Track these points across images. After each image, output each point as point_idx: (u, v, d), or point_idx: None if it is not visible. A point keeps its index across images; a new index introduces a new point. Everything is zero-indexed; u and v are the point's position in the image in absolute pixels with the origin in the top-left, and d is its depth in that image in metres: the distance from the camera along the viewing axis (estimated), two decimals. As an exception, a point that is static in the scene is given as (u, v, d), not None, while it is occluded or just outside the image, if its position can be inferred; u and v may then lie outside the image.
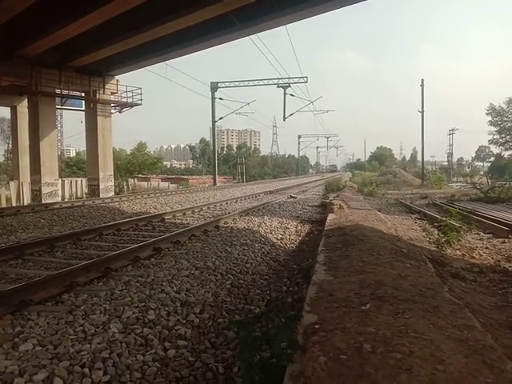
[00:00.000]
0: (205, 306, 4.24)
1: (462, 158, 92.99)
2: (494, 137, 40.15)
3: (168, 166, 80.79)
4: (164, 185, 36.03)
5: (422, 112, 35.19)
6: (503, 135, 39.05)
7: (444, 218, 8.10)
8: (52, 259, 6.66)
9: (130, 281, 4.99)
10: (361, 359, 2.23)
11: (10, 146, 32.23)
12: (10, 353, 3.11)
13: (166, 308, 4.04)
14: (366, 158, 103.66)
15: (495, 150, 48.16)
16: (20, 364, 2.91)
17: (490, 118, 39.36)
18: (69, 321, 3.74)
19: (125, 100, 23.72)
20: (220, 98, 36.32)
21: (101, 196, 21.21)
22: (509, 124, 37.74)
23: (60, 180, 21.85)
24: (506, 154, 42.69)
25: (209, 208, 14.09)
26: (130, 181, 31.71)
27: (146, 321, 3.73)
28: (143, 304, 4.09)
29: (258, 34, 17.85)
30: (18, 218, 11.76)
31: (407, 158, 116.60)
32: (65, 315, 3.88)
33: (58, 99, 21.37)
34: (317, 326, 2.77)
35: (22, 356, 3.05)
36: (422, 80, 35.58)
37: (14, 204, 19.25)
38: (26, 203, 19.55)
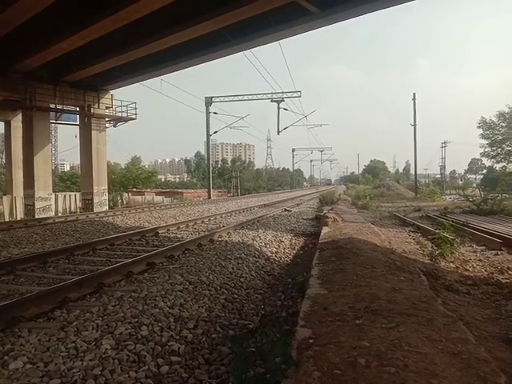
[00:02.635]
0: (198, 322, 4.20)
1: (454, 170, 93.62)
2: (486, 150, 40.52)
3: (162, 179, 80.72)
4: (158, 199, 35.92)
5: (415, 125, 35.71)
6: (494, 148, 39.46)
7: (437, 231, 8.14)
8: (44, 275, 6.59)
9: (122, 296, 4.94)
10: (355, 374, 2.22)
11: (4, 160, 32.09)
12: (-1, 371, 3.06)
13: (160, 323, 4.01)
14: (360, 171, 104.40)
15: (487, 162, 48.61)
16: (9, 383, 2.87)
17: (481, 131, 39.86)
18: (60, 337, 3.70)
19: (119, 114, 23.81)
20: (215, 113, 36.59)
21: (95, 210, 21.10)
22: (500, 137, 38.17)
23: (54, 194, 21.73)
24: (497, 166, 43.08)
25: (203, 222, 14.05)
26: (124, 195, 31.59)
27: (139, 337, 3.69)
28: (136, 320, 4.05)
29: (252, 49, 18.09)
30: (11, 233, 11.65)
31: (400, 170, 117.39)
32: (56, 332, 3.83)
33: (52, 113, 21.38)
34: (311, 341, 2.76)
35: (11, 374, 3.00)
36: (414, 94, 36.27)
37: (6, 219, 19.08)
38: (18, 218, 19.39)
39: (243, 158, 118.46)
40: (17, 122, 22.42)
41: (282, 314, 4.59)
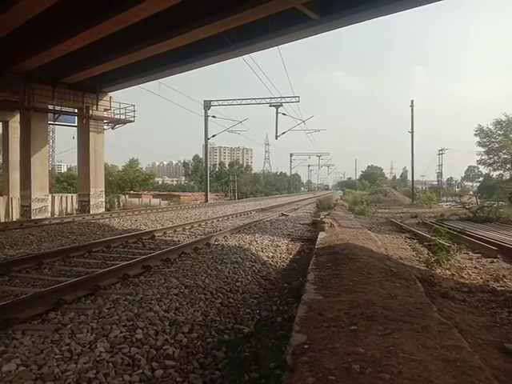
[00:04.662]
0: (194, 326, 4.19)
1: (451, 177, 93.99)
2: (483, 157, 40.75)
3: (160, 182, 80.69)
4: (155, 201, 35.88)
5: (412, 132, 35.91)
6: (491, 156, 39.68)
7: (434, 238, 8.16)
8: (40, 276, 6.56)
9: (118, 299, 4.92)
10: (349, 380, 2.22)
11: (1, 160, 31.98)
12: (-8, 374, 3.03)
13: (155, 327, 3.99)
14: (357, 177, 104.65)
15: (484, 170, 48.81)
16: (2, 385, 2.85)
17: (478, 138, 40.11)
18: (55, 340, 3.67)
19: (118, 116, 23.81)
20: (213, 116, 36.61)
21: (91, 212, 21.04)
22: (496, 145, 38.41)
23: (50, 196, 21.66)
24: (494, 174, 43.32)
25: (200, 225, 14.04)
26: (122, 197, 31.52)
27: (134, 340, 3.67)
28: (131, 323, 4.03)
29: (251, 54, 18.17)
30: (6, 234, 11.59)
31: (397, 177, 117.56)
32: (51, 334, 3.80)
33: (50, 114, 21.36)
34: (306, 346, 2.75)
35: (4, 377, 2.98)
36: (412, 101, 36.52)
37: (2, 220, 18.99)
38: (15, 219, 19.30)
39: (241, 162, 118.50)
40: (15, 122, 22.37)
41: (278, 319, 4.58)
